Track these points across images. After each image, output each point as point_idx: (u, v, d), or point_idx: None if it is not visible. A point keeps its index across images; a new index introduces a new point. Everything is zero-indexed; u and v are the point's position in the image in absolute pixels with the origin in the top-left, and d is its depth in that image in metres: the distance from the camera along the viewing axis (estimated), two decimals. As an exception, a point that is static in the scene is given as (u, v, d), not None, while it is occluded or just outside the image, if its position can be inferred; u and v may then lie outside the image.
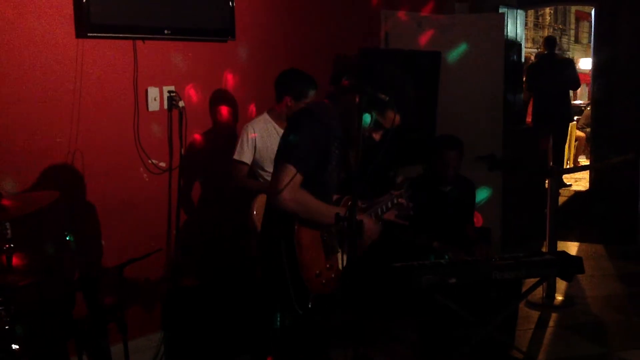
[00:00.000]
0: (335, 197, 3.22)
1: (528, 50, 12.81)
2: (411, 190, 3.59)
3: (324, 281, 3.04)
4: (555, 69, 9.62)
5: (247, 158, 4.44)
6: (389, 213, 3.43)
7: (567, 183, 10.44)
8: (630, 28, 9.27)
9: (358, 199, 3.14)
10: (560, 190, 8.86)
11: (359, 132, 2.82)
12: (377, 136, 3.05)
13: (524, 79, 9.79)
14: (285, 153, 2.94)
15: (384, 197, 3.42)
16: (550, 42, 10.07)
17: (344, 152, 3.11)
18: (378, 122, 2.97)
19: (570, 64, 10.25)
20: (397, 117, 2.97)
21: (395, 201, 3.44)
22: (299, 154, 2.91)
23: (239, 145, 4.45)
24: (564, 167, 10.37)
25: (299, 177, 2.90)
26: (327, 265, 3.08)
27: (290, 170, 2.88)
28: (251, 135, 4.42)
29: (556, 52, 10.42)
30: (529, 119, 9.93)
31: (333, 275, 3.10)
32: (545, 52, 10.02)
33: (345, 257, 3.14)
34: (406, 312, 4.68)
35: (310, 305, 3.00)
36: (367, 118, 2.92)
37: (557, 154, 10.05)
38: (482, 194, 5.95)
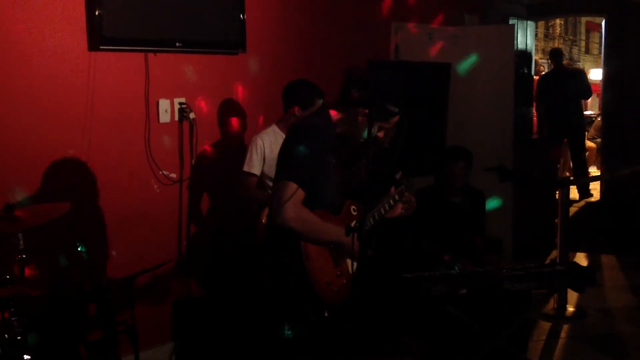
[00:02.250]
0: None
1: (539, 62, 12.80)
2: (418, 198, 3.60)
3: (336, 289, 3.04)
4: (565, 80, 9.59)
5: (256, 169, 4.45)
6: (391, 211, 3.44)
7: (590, 193, 10.35)
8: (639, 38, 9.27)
9: (356, 202, 3.18)
10: (571, 201, 8.81)
11: (370, 142, 2.83)
12: (385, 140, 3.08)
13: (534, 91, 9.80)
14: (285, 170, 2.93)
15: (384, 197, 3.42)
16: (555, 55, 10.03)
17: (342, 160, 3.12)
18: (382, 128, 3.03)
19: (581, 74, 10.21)
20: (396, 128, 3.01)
21: (396, 198, 3.44)
22: (300, 171, 2.90)
23: (248, 156, 4.46)
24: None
25: (301, 194, 2.89)
26: (338, 273, 3.08)
27: (292, 187, 2.87)
28: (260, 146, 4.44)
29: (564, 63, 10.38)
30: (535, 129, 9.91)
31: (345, 281, 3.09)
32: (554, 66, 9.99)
33: (354, 263, 3.14)
34: (416, 322, 4.66)
35: (326, 314, 3.00)
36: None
37: (577, 165, 10.00)
38: (492, 204, 5.94)
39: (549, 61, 11.01)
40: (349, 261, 3.14)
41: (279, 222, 2.90)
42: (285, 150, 3.01)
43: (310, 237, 2.96)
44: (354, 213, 3.22)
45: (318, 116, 3.15)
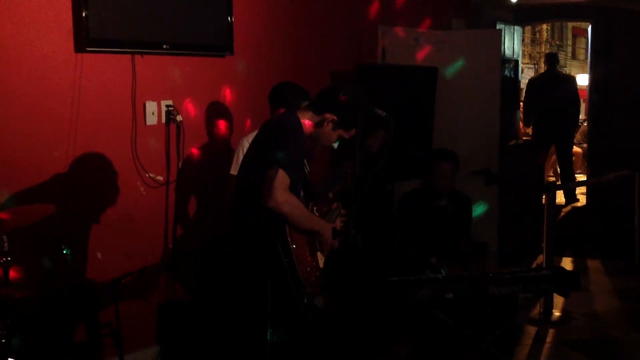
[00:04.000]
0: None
1: (525, 66, 12.89)
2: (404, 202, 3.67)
3: (313, 278, 3.14)
4: (555, 85, 9.60)
5: (243, 172, 4.45)
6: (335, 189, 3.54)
7: (577, 197, 10.39)
8: (625, 44, 9.34)
9: (317, 203, 3.26)
10: (558, 206, 8.85)
11: (357, 145, 2.86)
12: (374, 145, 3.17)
13: (524, 95, 9.82)
14: (275, 158, 3.02)
15: (326, 210, 3.52)
16: (550, 59, 10.05)
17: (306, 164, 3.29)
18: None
19: (571, 80, 10.17)
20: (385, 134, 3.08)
21: (338, 212, 3.50)
22: (289, 160, 3.00)
23: (235, 159, 4.45)
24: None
25: (288, 181, 3.00)
26: (313, 263, 3.18)
27: (282, 174, 2.98)
28: (247, 149, 4.43)
29: (557, 69, 10.41)
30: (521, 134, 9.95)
31: (318, 274, 3.18)
32: (546, 70, 10.00)
33: (323, 257, 3.24)
34: (401, 327, 4.67)
35: (306, 301, 3.07)
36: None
37: (564, 169, 10.03)
38: (479, 209, 5.96)
39: (536, 65, 11.03)
40: (319, 254, 3.22)
41: (271, 205, 2.99)
42: (267, 141, 3.12)
43: (298, 222, 3.08)
44: (317, 214, 3.33)
45: (290, 118, 3.25)
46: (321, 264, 3.26)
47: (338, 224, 3.42)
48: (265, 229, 3.07)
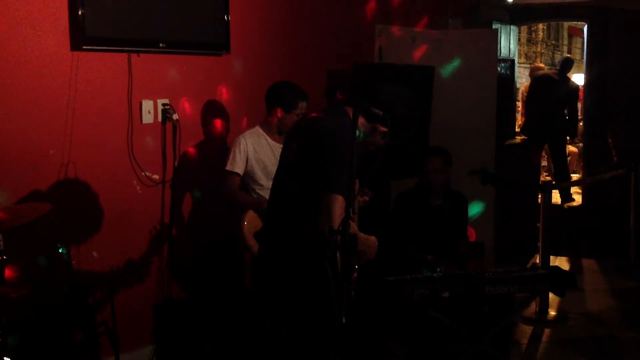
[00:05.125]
0: None
1: (521, 66, 12.89)
2: (400, 201, 3.64)
3: (352, 292, 3.07)
4: (553, 85, 9.56)
5: (239, 169, 4.45)
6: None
7: (572, 197, 10.39)
8: (621, 44, 9.36)
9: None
10: (553, 205, 8.85)
11: (354, 145, 2.84)
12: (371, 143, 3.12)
13: (526, 93, 9.80)
14: (332, 183, 2.91)
15: None
16: (566, 63, 9.84)
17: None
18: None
19: (570, 81, 10.13)
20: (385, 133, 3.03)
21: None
22: (345, 183, 2.86)
23: (231, 156, 4.46)
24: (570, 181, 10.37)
25: (344, 204, 2.87)
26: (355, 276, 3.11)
27: (341, 201, 2.88)
28: (243, 146, 4.44)
29: (553, 70, 10.37)
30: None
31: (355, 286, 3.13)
32: (557, 70, 9.93)
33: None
34: (398, 326, 4.67)
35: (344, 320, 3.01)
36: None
37: (559, 169, 10.02)
38: (475, 209, 5.96)
39: (532, 64, 11.02)
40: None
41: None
42: (327, 154, 2.99)
43: None
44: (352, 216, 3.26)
45: (342, 116, 3.10)
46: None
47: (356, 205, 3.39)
48: (316, 250, 2.95)
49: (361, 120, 3.05)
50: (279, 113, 4.44)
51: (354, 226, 3.04)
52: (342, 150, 2.91)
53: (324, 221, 2.89)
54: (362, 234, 3.13)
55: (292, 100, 4.44)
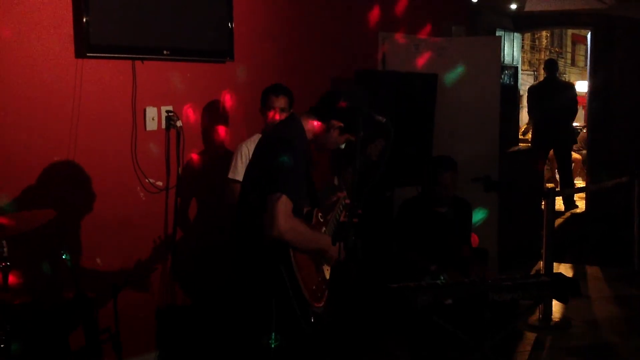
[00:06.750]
0: (305, 209, 3.26)
1: (525, 73, 12.92)
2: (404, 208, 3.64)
3: (319, 294, 3.11)
4: (555, 92, 9.58)
5: (240, 176, 4.43)
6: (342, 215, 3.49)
7: (576, 204, 10.39)
8: (624, 51, 9.36)
9: (320, 209, 3.23)
10: (557, 212, 8.85)
11: (358, 153, 2.86)
12: (373, 152, 3.14)
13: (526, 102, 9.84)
14: (274, 183, 2.95)
15: (332, 201, 3.46)
16: (549, 66, 10.02)
17: (309, 167, 3.21)
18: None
19: (571, 88, 10.14)
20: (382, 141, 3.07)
21: (343, 203, 3.47)
22: (291, 182, 2.95)
23: (233, 163, 4.46)
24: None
25: (290, 205, 2.94)
26: (319, 279, 3.16)
27: (284, 199, 2.92)
28: (245, 154, 4.44)
29: (557, 75, 10.39)
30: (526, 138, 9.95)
31: (324, 287, 3.17)
32: (546, 76, 9.99)
33: (329, 269, 3.24)
34: (401, 332, 4.66)
35: (312, 320, 3.04)
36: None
37: (563, 176, 10.03)
38: (478, 215, 5.95)
39: (535, 72, 11.04)
40: (325, 267, 3.21)
41: (274, 235, 2.93)
42: (268, 162, 3.04)
43: (301, 246, 3.03)
44: (321, 220, 3.31)
45: (291, 127, 3.18)
46: (327, 276, 3.24)
47: (342, 217, 3.40)
48: (268, 253, 3.02)
49: (312, 123, 3.13)
50: (263, 112, 4.46)
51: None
52: (286, 153, 2.97)
53: (267, 221, 2.94)
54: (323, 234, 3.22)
55: (264, 97, 4.47)
